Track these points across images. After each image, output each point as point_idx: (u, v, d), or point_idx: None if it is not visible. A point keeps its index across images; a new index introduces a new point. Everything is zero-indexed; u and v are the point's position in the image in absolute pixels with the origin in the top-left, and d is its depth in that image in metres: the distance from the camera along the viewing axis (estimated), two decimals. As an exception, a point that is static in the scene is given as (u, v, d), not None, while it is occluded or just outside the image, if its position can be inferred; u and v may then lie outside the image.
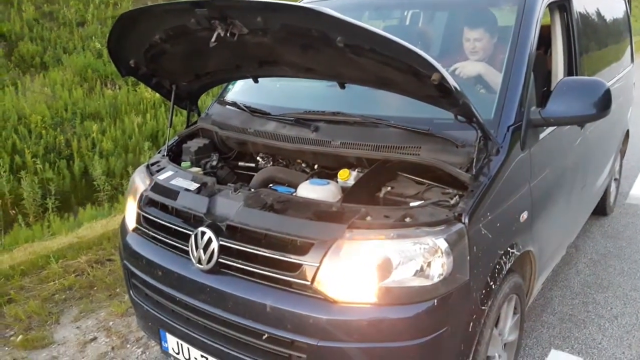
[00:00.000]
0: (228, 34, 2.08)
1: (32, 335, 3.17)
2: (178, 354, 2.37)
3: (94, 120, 7.88)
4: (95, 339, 3.17)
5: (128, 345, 3.09)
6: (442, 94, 1.94)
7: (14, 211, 6.51)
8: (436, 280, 1.88)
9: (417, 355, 1.91)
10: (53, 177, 6.87)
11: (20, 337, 3.17)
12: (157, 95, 8.70)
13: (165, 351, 2.45)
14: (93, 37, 10.06)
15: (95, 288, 3.70)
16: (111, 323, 3.30)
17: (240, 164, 2.84)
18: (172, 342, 2.38)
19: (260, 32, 2.06)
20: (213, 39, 2.09)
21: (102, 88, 8.79)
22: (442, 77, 1.79)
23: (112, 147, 7.44)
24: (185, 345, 2.31)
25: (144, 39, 2.42)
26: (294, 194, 2.29)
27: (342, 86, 2.29)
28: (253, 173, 2.67)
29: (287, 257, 1.96)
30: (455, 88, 1.84)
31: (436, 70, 1.78)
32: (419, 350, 1.90)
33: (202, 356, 2.25)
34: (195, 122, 3.02)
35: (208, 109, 3.08)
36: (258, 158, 2.79)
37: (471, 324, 2.04)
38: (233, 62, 2.55)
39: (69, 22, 10.41)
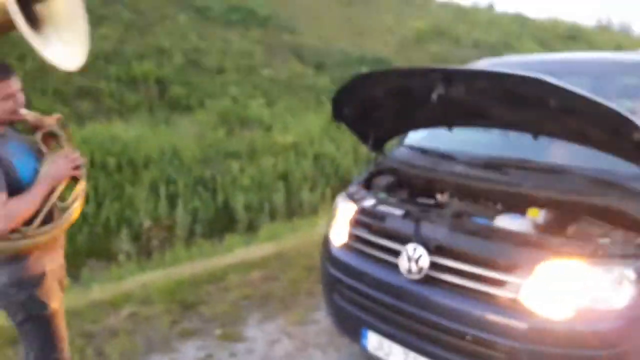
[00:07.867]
0: (446, 93, 2.63)
1: (229, 331, 3.79)
2: (378, 349, 2.85)
3: (234, 159, 8.81)
4: (279, 340, 3.72)
5: (309, 349, 3.61)
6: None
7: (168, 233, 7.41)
8: (623, 305, 2.26)
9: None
10: (199, 206, 7.78)
11: (219, 331, 3.79)
12: (288, 140, 9.56)
13: (363, 347, 2.94)
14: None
15: (270, 299, 4.29)
16: (290, 329, 3.84)
17: (422, 200, 3.33)
18: (373, 339, 2.87)
19: (478, 93, 2.60)
20: (434, 96, 2.65)
21: (240, 131, 9.79)
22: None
23: (250, 183, 8.29)
24: (387, 342, 2.79)
25: (366, 94, 3.04)
26: (492, 225, 2.75)
27: (536, 137, 2.76)
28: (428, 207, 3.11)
29: (495, 275, 2.43)
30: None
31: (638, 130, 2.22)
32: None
33: (403, 352, 2.72)
34: (377, 161, 3.56)
35: (393, 151, 3.64)
36: (441, 195, 3.28)
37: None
38: (438, 114, 3.10)
39: (210, 69, 11.71)
